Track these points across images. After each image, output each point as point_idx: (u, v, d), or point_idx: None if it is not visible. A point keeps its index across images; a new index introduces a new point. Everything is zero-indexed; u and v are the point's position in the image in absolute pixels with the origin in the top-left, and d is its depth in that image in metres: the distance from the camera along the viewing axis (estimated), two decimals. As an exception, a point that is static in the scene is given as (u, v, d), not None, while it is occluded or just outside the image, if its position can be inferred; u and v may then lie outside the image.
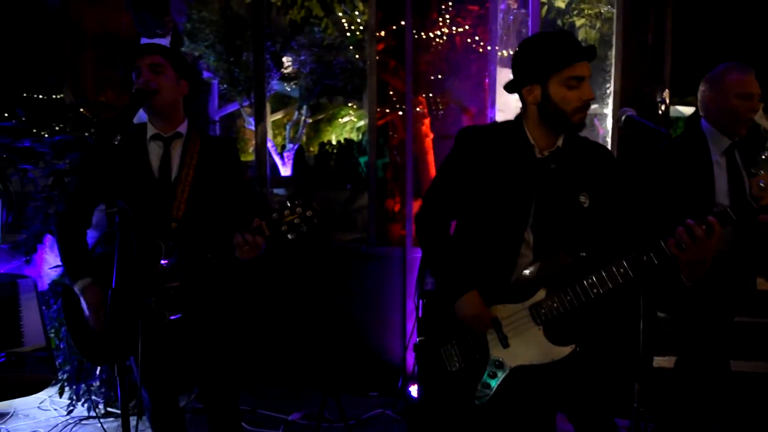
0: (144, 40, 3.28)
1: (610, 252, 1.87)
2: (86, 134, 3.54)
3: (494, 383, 1.91)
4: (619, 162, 2.01)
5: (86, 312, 2.10)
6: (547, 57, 1.79)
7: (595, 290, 1.79)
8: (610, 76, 3.68)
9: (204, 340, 2.24)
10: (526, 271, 1.91)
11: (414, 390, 3.48)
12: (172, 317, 2.09)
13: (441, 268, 2.01)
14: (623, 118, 1.73)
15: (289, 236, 1.97)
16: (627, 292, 1.78)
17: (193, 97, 2.29)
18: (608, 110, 3.78)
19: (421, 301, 3.11)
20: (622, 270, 1.76)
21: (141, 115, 2.16)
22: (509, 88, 1.94)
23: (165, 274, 2.06)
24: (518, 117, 1.98)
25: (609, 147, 3.68)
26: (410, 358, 3.71)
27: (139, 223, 2.07)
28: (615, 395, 1.96)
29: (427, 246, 2.06)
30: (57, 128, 3.94)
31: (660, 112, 3.58)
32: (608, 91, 3.74)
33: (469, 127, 2.06)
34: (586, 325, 1.91)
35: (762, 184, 1.75)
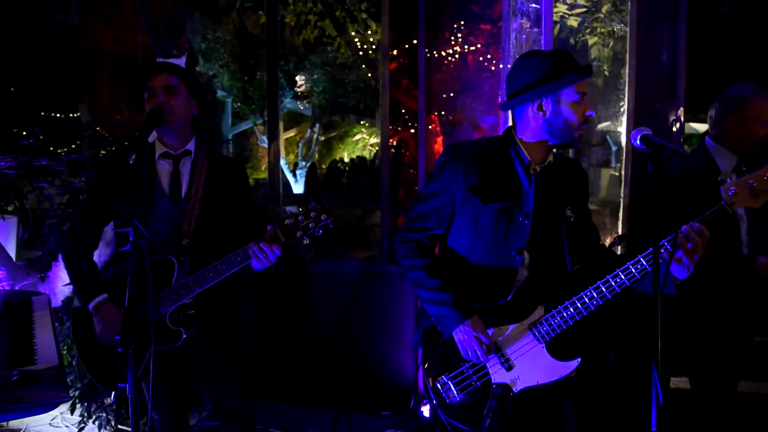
0: (160, 60, 3.32)
1: (600, 263, 1.90)
2: (102, 152, 3.58)
3: (501, 409, 1.86)
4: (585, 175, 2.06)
5: (98, 330, 2.10)
6: (558, 73, 1.81)
7: (593, 302, 1.79)
8: (623, 94, 3.67)
9: (216, 357, 2.23)
10: (521, 289, 1.89)
11: (426, 410, 3.44)
12: (185, 334, 2.08)
13: (434, 295, 1.90)
14: (639, 137, 1.72)
15: (305, 241, 1.97)
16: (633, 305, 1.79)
17: (203, 115, 2.31)
18: (622, 128, 3.76)
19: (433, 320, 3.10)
20: (617, 280, 1.78)
21: None
22: (510, 104, 1.92)
23: (179, 290, 2.06)
24: (508, 132, 1.96)
25: (624, 165, 3.66)
26: (422, 377, 3.67)
27: (151, 241, 2.09)
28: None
29: (416, 272, 1.94)
30: (73, 146, 3.99)
31: (675, 129, 3.56)
32: (622, 110, 3.73)
33: (457, 143, 2.01)
34: (590, 337, 1.89)
35: (732, 192, 1.77)
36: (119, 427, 3.41)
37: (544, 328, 1.84)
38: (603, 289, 1.78)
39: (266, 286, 2.12)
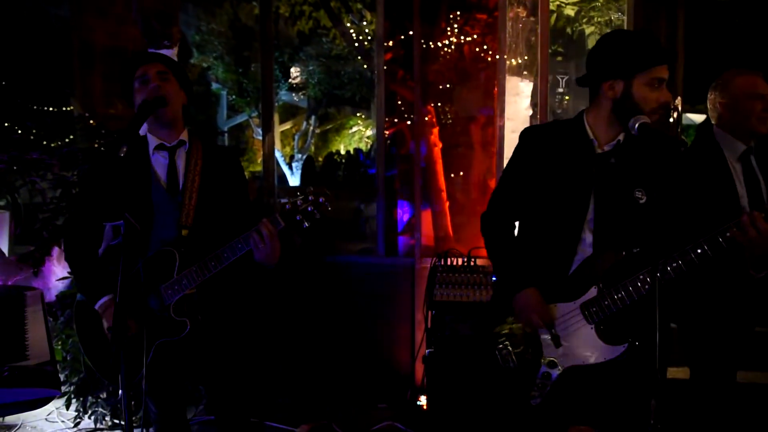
0: (151, 51, 3.28)
1: (664, 248, 1.82)
2: (95, 146, 3.55)
3: (548, 383, 1.88)
4: (685, 156, 2.00)
5: (107, 328, 2.08)
6: (637, 55, 1.79)
7: (647, 287, 1.76)
8: (620, 83, 3.64)
9: (218, 348, 2.22)
10: (579, 269, 1.88)
11: (423, 401, 3.44)
12: (190, 325, 2.08)
13: (502, 266, 2.01)
14: (637, 125, 1.70)
15: (306, 224, 1.98)
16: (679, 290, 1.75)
17: (200, 107, 2.28)
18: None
19: (430, 312, 3.09)
20: (675, 265, 1.74)
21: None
22: (585, 81, 1.93)
23: (182, 280, 2.06)
24: (579, 113, 1.97)
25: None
26: (419, 369, 3.67)
27: (150, 234, 2.08)
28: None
29: (491, 245, 2.05)
30: (66, 140, 3.95)
31: (672, 119, 3.54)
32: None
33: (531, 126, 2.08)
34: (640, 323, 1.83)
35: None
36: (115, 421, 3.40)
37: (595, 309, 1.83)
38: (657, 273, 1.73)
39: (264, 277, 2.12)
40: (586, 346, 1.83)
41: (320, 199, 1.98)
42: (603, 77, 1.85)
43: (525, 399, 1.91)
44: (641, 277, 1.77)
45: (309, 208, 1.98)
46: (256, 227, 1.99)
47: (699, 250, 1.72)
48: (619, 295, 1.80)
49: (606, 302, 1.81)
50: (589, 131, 1.90)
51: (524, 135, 2.03)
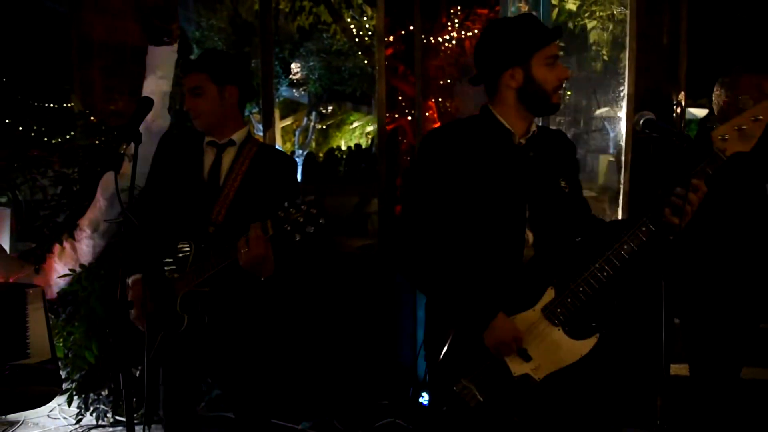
0: (151, 47, 3.26)
1: (601, 233, 1.84)
2: (95, 142, 3.54)
3: (525, 402, 1.76)
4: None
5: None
6: (528, 38, 1.76)
7: (605, 273, 1.72)
8: (623, 79, 3.62)
9: (235, 346, 2.22)
10: (528, 272, 1.79)
11: (425, 398, 3.43)
12: (195, 319, 2.09)
13: (455, 295, 1.76)
14: (641, 121, 1.68)
15: (297, 236, 1.88)
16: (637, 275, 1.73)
17: (248, 97, 2.32)
18: (622, 113, 3.72)
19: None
20: (626, 246, 1.70)
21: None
22: (479, 78, 1.87)
23: (190, 275, 2.07)
24: (485, 108, 1.88)
25: (623, 150, 3.63)
26: (421, 366, 3.66)
27: (179, 224, 2.13)
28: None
29: (428, 274, 1.80)
30: (67, 137, 3.94)
31: (675, 114, 3.52)
32: (621, 95, 3.68)
33: (432, 131, 1.91)
34: (604, 310, 1.82)
35: (721, 137, 1.72)
36: (117, 418, 3.40)
37: (558, 310, 1.74)
38: (613, 259, 1.71)
39: (259, 283, 2.07)
40: (558, 350, 1.76)
41: (312, 211, 1.87)
42: (500, 69, 1.80)
43: (506, 423, 1.79)
44: (597, 265, 1.72)
45: (300, 219, 1.87)
46: (244, 235, 1.93)
47: (644, 228, 1.70)
48: (581, 289, 1.73)
49: (569, 300, 1.74)
50: (505, 124, 1.83)
51: (429, 142, 1.86)
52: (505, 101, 1.83)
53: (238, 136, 2.23)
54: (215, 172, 2.19)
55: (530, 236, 1.80)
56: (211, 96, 2.16)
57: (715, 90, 2.47)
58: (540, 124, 1.95)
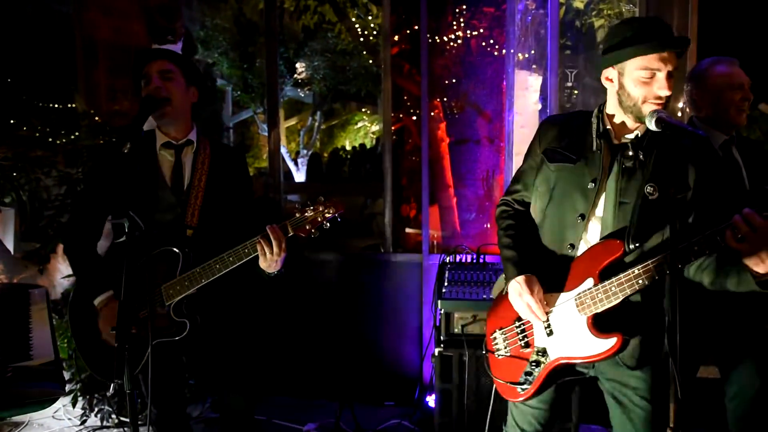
0: (155, 47, 3.25)
1: (664, 245, 1.75)
2: (100, 142, 3.53)
3: (537, 371, 1.87)
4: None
5: (102, 326, 2.06)
6: (624, 40, 1.70)
7: (638, 283, 1.68)
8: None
9: (221, 347, 2.20)
10: (581, 259, 1.82)
11: (431, 400, 3.41)
12: (190, 325, 2.06)
13: (505, 250, 1.97)
14: (654, 119, 1.64)
15: (314, 234, 1.98)
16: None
17: (204, 104, 2.26)
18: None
19: (438, 310, 3.06)
20: (667, 263, 1.63)
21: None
22: (598, 70, 1.87)
23: (185, 281, 2.03)
24: (600, 105, 1.91)
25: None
26: (427, 367, 3.63)
27: (153, 233, 2.05)
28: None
29: (498, 230, 2.03)
30: (72, 137, 3.92)
31: (681, 114, 3.48)
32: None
33: (550, 116, 2.04)
34: (631, 318, 1.78)
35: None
36: (121, 419, 3.39)
37: (588, 301, 1.77)
38: (652, 267, 1.66)
39: (270, 281, 2.09)
40: (577, 338, 1.79)
41: (331, 210, 1.98)
42: (602, 66, 1.80)
43: (515, 384, 1.91)
44: (635, 272, 1.69)
45: (319, 219, 1.98)
46: (264, 233, 1.96)
47: (696, 248, 1.62)
48: (612, 289, 1.73)
49: (599, 295, 1.75)
50: (607, 121, 1.84)
51: (542, 123, 2.02)
52: (609, 100, 1.84)
53: (194, 136, 2.18)
54: (178, 174, 2.13)
55: (596, 227, 1.82)
56: (182, 86, 2.11)
57: (685, 87, 2.46)
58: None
